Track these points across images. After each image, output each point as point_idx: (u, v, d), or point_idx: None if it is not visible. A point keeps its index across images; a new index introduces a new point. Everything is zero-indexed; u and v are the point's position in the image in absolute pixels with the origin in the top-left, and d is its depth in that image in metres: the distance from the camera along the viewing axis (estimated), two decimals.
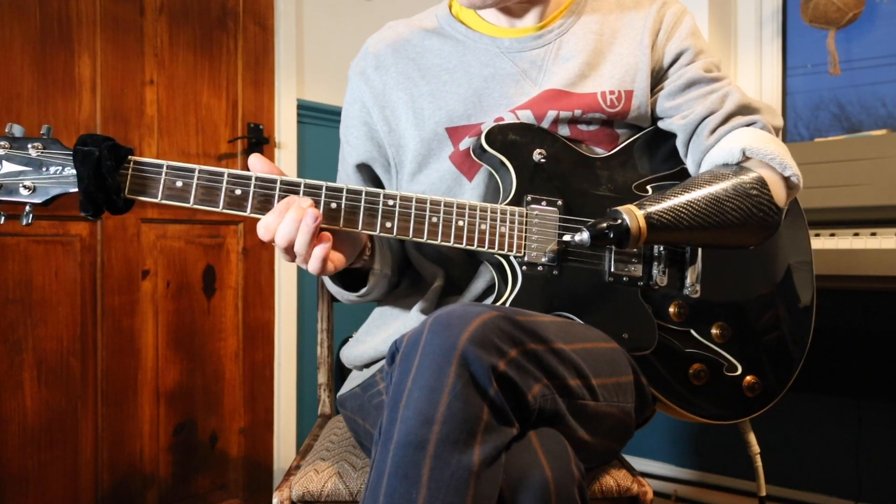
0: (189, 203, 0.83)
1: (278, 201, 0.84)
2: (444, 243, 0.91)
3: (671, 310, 1.00)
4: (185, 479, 1.95)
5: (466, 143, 1.02)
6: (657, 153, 1.06)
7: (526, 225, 0.94)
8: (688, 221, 0.89)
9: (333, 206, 0.86)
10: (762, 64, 2.26)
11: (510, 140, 0.97)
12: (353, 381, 1.10)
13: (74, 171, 0.80)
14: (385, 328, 1.07)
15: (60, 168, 0.81)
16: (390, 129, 1.06)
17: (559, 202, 0.97)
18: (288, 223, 0.82)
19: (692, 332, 1.01)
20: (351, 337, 1.15)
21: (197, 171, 0.83)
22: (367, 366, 1.08)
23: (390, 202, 0.88)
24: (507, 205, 0.94)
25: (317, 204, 0.85)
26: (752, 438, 1.19)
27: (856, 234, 1.55)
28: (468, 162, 1.02)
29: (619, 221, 0.86)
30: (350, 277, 1.04)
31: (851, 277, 1.54)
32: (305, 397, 2.25)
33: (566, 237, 0.91)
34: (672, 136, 1.06)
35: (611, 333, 0.93)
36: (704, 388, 1.01)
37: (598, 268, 0.97)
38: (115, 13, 1.78)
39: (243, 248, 2.07)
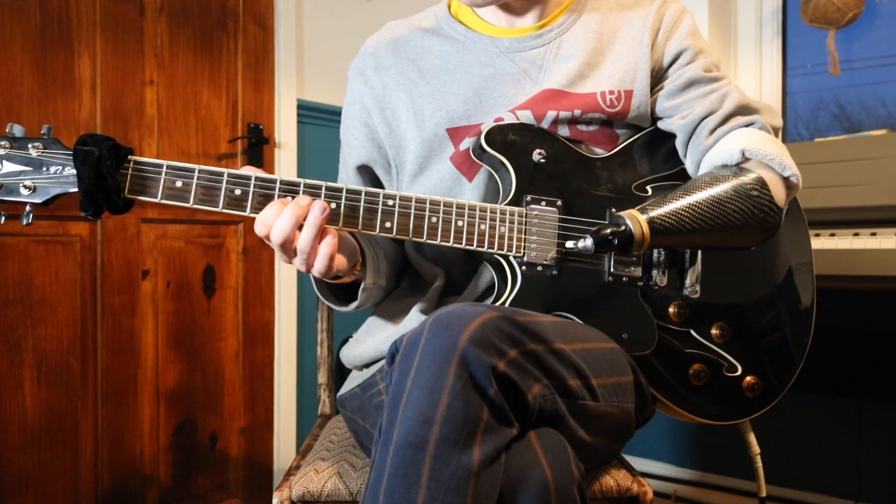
0: (189, 203, 0.83)
1: None
2: (443, 243, 0.91)
3: (671, 310, 1.00)
4: (185, 479, 1.95)
5: (467, 143, 1.02)
6: (657, 153, 1.06)
7: (525, 225, 0.94)
8: (690, 224, 0.89)
9: (333, 206, 0.86)
10: (762, 64, 2.26)
11: (510, 140, 0.97)
12: (353, 381, 1.10)
13: (74, 171, 0.80)
14: (385, 328, 1.07)
15: (60, 168, 0.81)
16: (391, 130, 1.06)
17: (559, 202, 0.97)
18: (285, 218, 0.81)
19: (692, 332, 1.01)
20: (351, 337, 1.15)
21: (197, 171, 0.83)
22: (367, 366, 1.08)
23: (390, 202, 0.88)
24: (506, 205, 0.94)
25: None
26: (752, 439, 1.19)
27: (856, 234, 1.55)
28: (468, 162, 1.02)
29: (623, 228, 0.86)
30: (340, 289, 1.03)
31: (851, 277, 1.54)
32: (305, 397, 2.25)
33: (569, 244, 0.91)
34: (672, 136, 1.06)
35: (610, 334, 0.93)
36: (704, 389, 1.01)
37: (597, 268, 0.97)
38: (115, 13, 1.78)
39: (243, 248, 2.07)
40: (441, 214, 0.90)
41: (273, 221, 0.81)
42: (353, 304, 1.01)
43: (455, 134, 1.02)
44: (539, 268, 0.94)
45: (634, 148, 1.04)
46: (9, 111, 1.61)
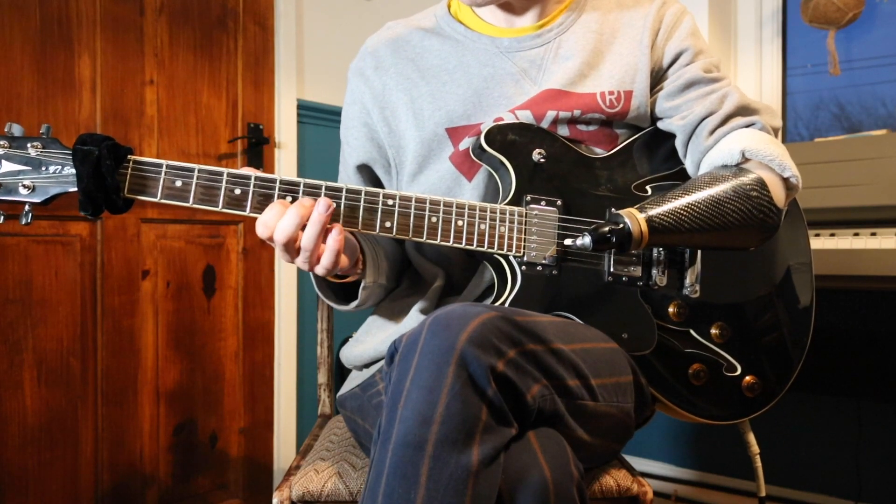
0: (188, 202, 0.83)
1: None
2: (443, 243, 0.91)
3: (670, 310, 1.00)
4: (185, 479, 1.95)
5: (466, 143, 1.02)
6: (656, 153, 1.06)
7: (525, 225, 0.94)
8: (689, 224, 0.89)
9: (333, 205, 0.86)
10: (762, 64, 2.26)
11: (509, 140, 0.97)
12: (353, 381, 1.10)
13: (74, 171, 0.80)
14: (385, 328, 1.07)
15: (60, 167, 0.81)
16: (390, 129, 1.06)
17: (558, 202, 0.97)
18: (289, 218, 0.81)
19: (691, 332, 1.01)
20: (351, 337, 1.15)
21: (196, 171, 0.83)
22: (367, 366, 1.08)
23: (390, 202, 0.88)
24: (506, 205, 0.94)
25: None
26: (752, 438, 1.19)
27: (856, 234, 1.55)
28: (468, 162, 1.02)
29: (621, 225, 0.86)
30: (340, 288, 1.03)
31: (851, 277, 1.54)
32: (305, 397, 2.25)
33: (567, 241, 0.91)
34: (671, 136, 1.06)
35: (610, 333, 0.93)
36: (704, 389, 1.01)
37: (597, 268, 0.97)
38: (115, 13, 1.78)
39: (243, 248, 2.07)
40: (441, 214, 0.90)
41: (275, 223, 0.81)
42: (354, 303, 1.01)
43: (454, 134, 1.02)
44: (539, 267, 0.94)
45: (634, 148, 1.04)
46: (9, 111, 1.61)
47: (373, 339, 1.07)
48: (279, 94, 2.15)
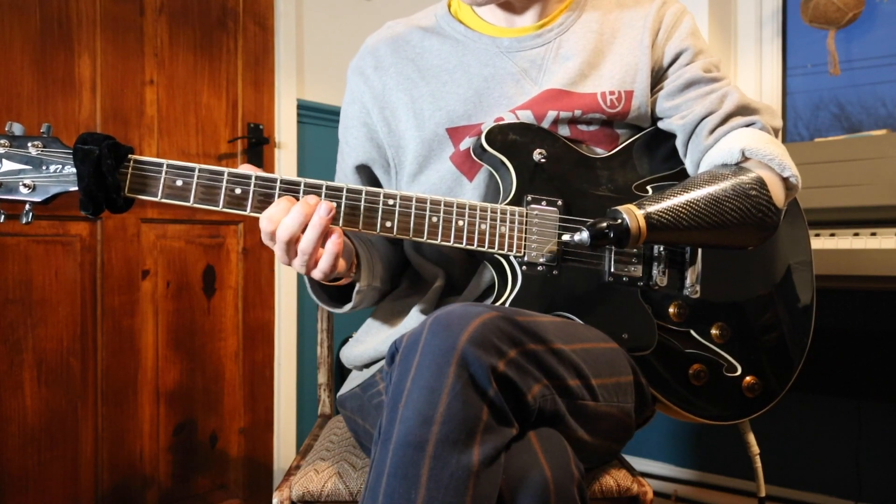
0: (189, 202, 0.82)
1: None
2: (444, 243, 0.91)
3: (671, 310, 1.00)
4: (185, 479, 1.95)
5: (467, 143, 1.02)
6: (657, 153, 1.06)
7: (526, 225, 0.94)
8: (687, 221, 0.89)
9: (334, 206, 0.86)
10: (762, 64, 2.26)
11: (510, 140, 0.97)
12: (353, 381, 1.10)
13: (74, 170, 0.80)
14: (385, 328, 1.07)
15: (60, 167, 0.81)
16: (390, 129, 1.06)
17: (559, 202, 0.97)
18: (293, 216, 0.81)
19: (692, 332, 1.01)
20: (351, 337, 1.15)
21: (197, 170, 0.83)
22: (367, 366, 1.08)
23: (390, 202, 0.88)
24: (507, 205, 0.94)
25: None
26: (752, 439, 1.19)
27: (856, 234, 1.55)
28: (469, 162, 1.02)
29: (619, 221, 0.86)
30: (335, 290, 1.03)
31: (851, 277, 1.54)
32: (305, 397, 2.25)
33: (565, 237, 0.91)
34: (672, 136, 1.06)
35: (610, 333, 0.93)
36: (704, 389, 1.01)
37: (597, 268, 0.97)
38: (115, 13, 1.78)
39: (243, 248, 2.07)
40: (441, 214, 0.90)
41: (280, 218, 0.81)
42: (348, 306, 1.00)
43: (455, 134, 1.02)
44: (539, 268, 0.94)
45: (635, 148, 1.04)
46: (9, 111, 1.60)
47: (373, 339, 1.07)
48: (279, 94, 2.15)
